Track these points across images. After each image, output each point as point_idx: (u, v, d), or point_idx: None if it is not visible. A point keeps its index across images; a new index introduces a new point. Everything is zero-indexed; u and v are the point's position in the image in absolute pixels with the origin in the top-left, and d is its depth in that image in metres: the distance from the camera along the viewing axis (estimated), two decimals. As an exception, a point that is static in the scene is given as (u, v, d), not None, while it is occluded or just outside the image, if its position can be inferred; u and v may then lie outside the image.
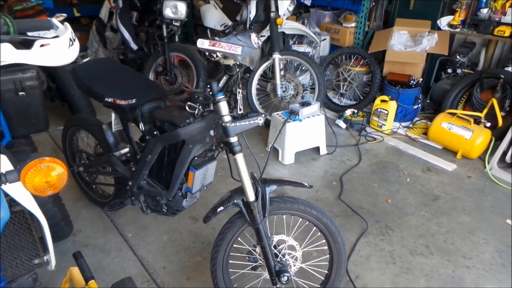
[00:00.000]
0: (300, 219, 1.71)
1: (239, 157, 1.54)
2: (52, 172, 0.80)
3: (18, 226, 1.09)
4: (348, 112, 3.70)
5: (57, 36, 1.25)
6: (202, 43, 1.22)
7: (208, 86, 1.48)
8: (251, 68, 1.35)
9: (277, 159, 3.17)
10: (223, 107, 1.49)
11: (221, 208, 1.61)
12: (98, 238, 2.36)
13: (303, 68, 3.71)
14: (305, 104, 3.09)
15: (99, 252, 2.25)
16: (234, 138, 1.52)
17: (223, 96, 1.48)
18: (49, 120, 3.82)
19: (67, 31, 1.29)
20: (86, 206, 2.63)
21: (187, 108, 1.68)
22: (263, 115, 1.52)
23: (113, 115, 2.06)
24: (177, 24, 3.80)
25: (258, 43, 1.31)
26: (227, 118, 1.49)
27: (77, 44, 1.28)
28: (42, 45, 1.13)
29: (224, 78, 1.47)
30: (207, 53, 1.26)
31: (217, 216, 1.62)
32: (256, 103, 3.70)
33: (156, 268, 2.13)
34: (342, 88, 4.05)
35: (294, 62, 3.69)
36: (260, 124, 1.52)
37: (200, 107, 1.65)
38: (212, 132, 1.67)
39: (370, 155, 3.24)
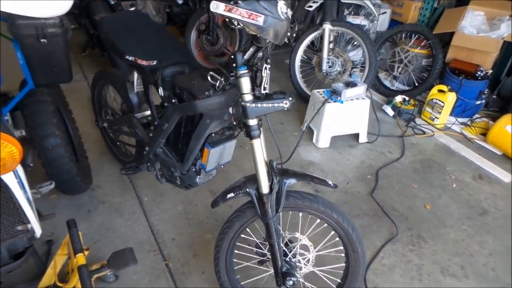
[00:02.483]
0: (318, 220, 1.52)
1: (256, 143, 1.35)
2: (2, 150, 0.66)
3: (-4, 191, 1.00)
4: (399, 98, 3.34)
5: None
6: (217, 7, 1.00)
7: (232, 57, 1.27)
8: (276, 43, 1.12)
9: (311, 141, 2.94)
10: (245, 83, 1.28)
11: (232, 194, 1.45)
12: (115, 196, 2.32)
13: (355, 43, 3.35)
14: (350, 84, 2.79)
15: (113, 211, 2.22)
16: (253, 121, 1.33)
17: (246, 71, 1.27)
18: (89, 67, 3.86)
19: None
20: (110, 162, 2.60)
21: (209, 78, 1.49)
22: (290, 98, 1.30)
23: (135, 75, 1.93)
24: (226, -20, 3.54)
25: (286, 13, 1.06)
26: (248, 97, 1.29)
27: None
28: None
29: (251, 49, 1.24)
30: (226, 20, 1.04)
31: (226, 202, 1.47)
32: (299, 76, 3.44)
33: (165, 238, 2.06)
34: (396, 70, 3.65)
35: (346, 35, 3.34)
36: (286, 109, 1.31)
37: (223, 79, 1.46)
38: (231, 110, 1.48)
39: (415, 150, 2.91)
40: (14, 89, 1.84)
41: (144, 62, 1.67)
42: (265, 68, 1.29)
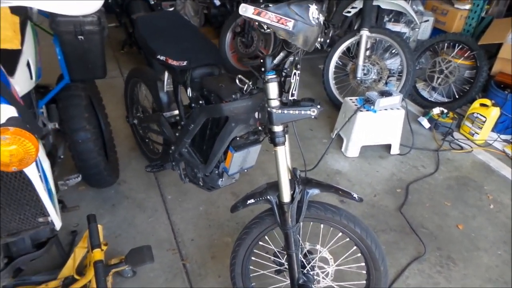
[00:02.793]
0: (340, 233, 1.46)
1: (280, 150, 1.31)
2: (19, 145, 0.67)
3: (20, 182, 1.03)
4: (436, 110, 3.19)
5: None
6: (246, 10, 0.97)
7: (262, 61, 1.25)
8: (305, 49, 1.08)
9: (340, 149, 2.86)
10: (272, 89, 1.25)
11: (252, 200, 1.43)
12: (139, 192, 2.36)
13: (394, 51, 3.23)
14: (384, 93, 2.69)
15: (136, 207, 2.25)
16: (278, 128, 1.29)
17: (274, 76, 1.24)
18: (126, 64, 3.97)
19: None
20: (138, 157, 2.64)
21: (237, 81, 1.47)
22: (318, 106, 1.25)
23: (166, 74, 1.95)
24: (263, -17, 3.53)
25: (317, 18, 1.02)
26: (274, 102, 1.26)
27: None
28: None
29: (281, 54, 1.21)
30: (256, 24, 1.02)
31: (246, 208, 1.45)
32: (332, 82, 3.36)
33: (185, 238, 2.06)
34: (436, 81, 3.49)
35: (384, 42, 3.23)
36: (313, 117, 1.26)
37: (251, 83, 1.43)
38: (257, 114, 1.46)
39: (450, 166, 2.76)
40: (54, 82, 1.91)
41: (174, 62, 1.68)
42: (295, 73, 1.25)
